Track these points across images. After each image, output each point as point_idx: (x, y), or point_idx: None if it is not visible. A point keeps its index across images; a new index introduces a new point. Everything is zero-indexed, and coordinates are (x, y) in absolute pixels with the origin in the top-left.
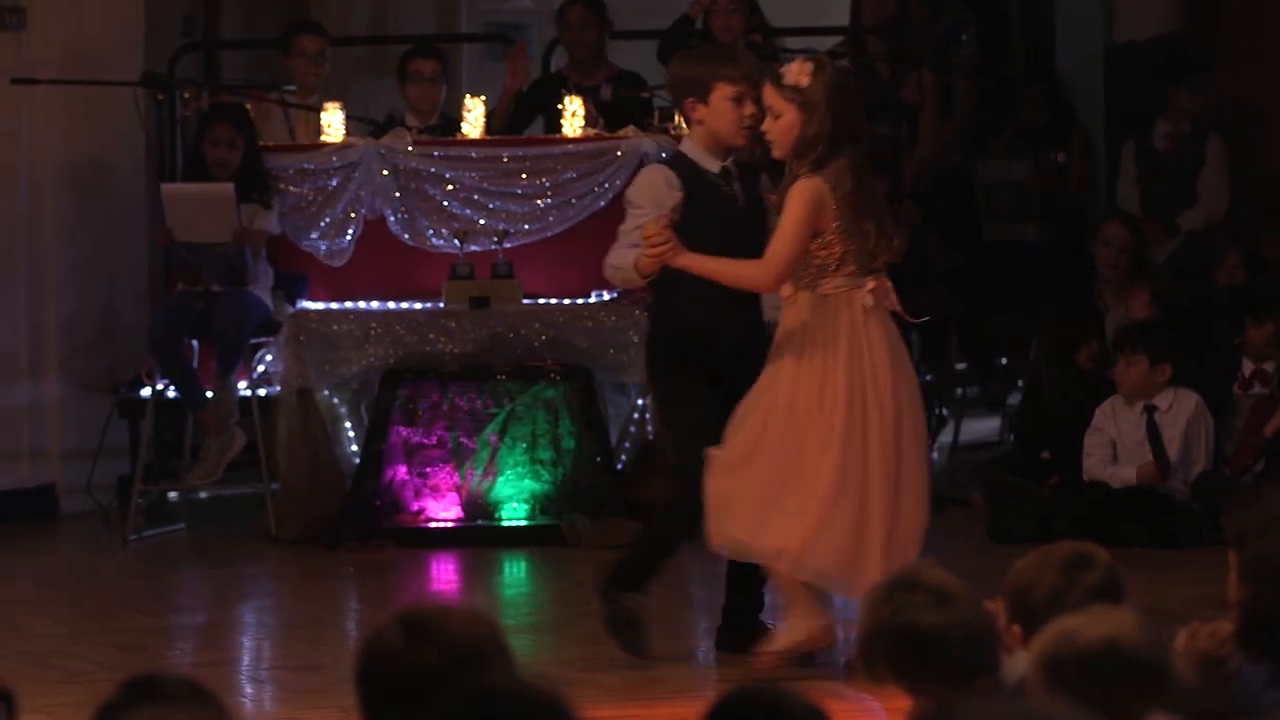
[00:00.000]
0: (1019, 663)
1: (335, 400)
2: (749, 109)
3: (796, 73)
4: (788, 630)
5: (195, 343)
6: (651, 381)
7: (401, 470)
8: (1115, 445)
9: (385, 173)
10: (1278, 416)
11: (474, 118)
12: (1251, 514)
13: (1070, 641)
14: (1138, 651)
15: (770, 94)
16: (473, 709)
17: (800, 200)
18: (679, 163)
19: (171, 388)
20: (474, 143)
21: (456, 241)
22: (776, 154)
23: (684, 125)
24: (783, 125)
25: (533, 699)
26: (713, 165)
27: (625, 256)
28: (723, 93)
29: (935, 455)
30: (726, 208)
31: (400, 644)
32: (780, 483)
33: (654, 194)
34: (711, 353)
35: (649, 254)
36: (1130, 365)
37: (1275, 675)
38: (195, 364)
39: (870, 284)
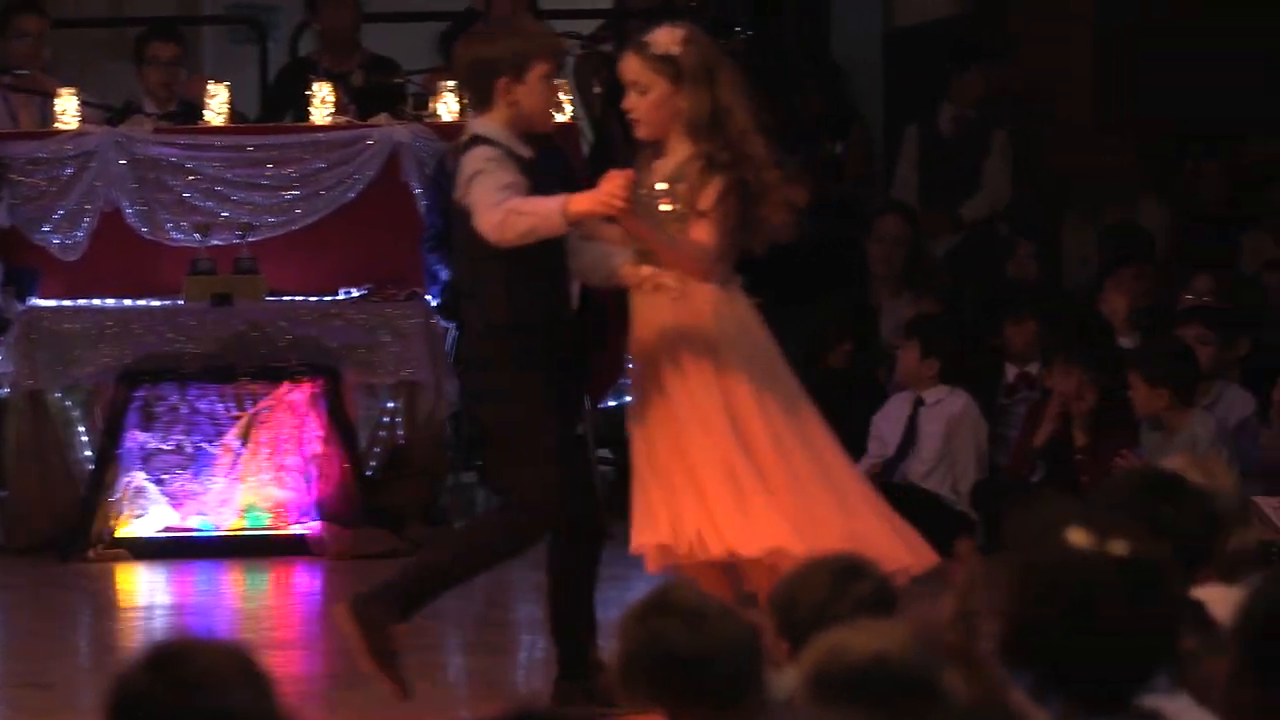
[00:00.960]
0: (787, 679)
1: (68, 403)
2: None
3: (667, 41)
4: None
5: None
6: (495, 384)
7: (138, 477)
8: (886, 441)
9: (123, 162)
10: (1047, 424)
11: (217, 104)
12: (1029, 522)
13: (838, 657)
14: (906, 667)
15: (634, 66)
16: None
17: (728, 186)
18: (490, 145)
19: None
20: (217, 130)
21: (197, 235)
22: (642, 133)
23: (438, 113)
24: (652, 101)
25: None
26: (524, 151)
27: (546, 202)
28: (540, 70)
29: None
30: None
31: (147, 684)
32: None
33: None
34: (561, 349)
35: (610, 200)
36: (904, 353)
37: (1037, 685)
38: None
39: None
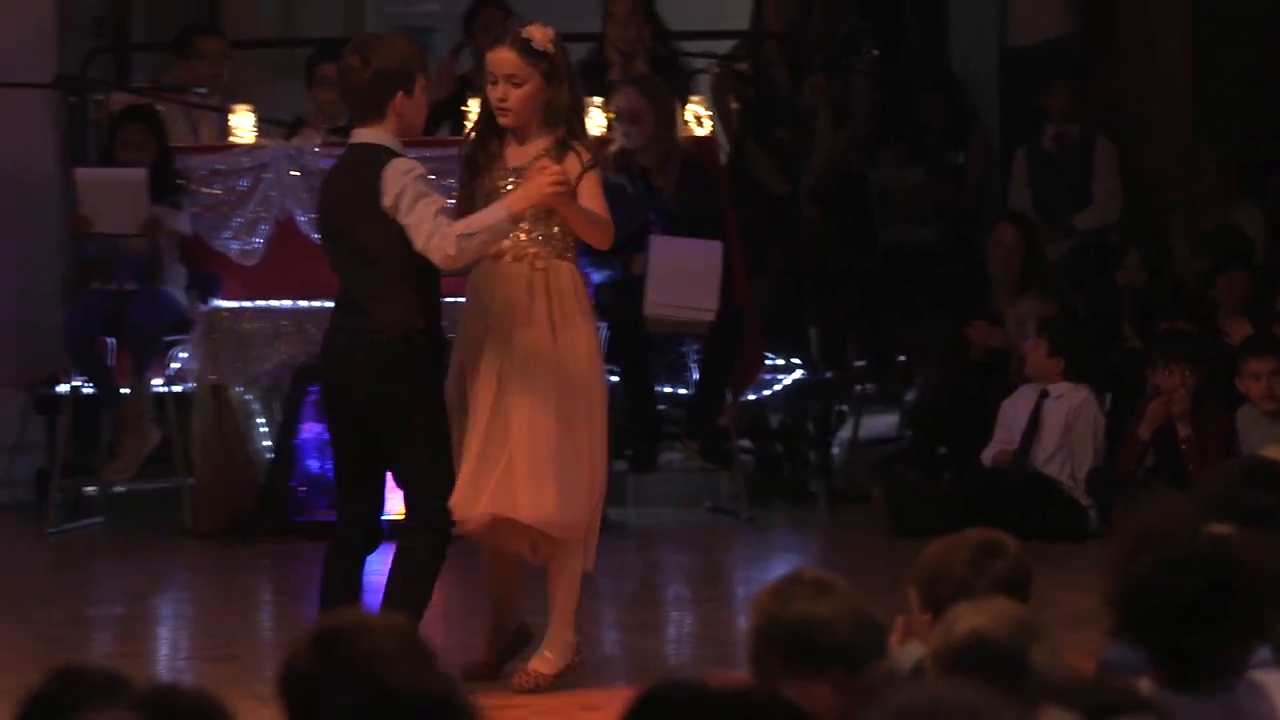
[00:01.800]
0: (911, 651)
1: (248, 396)
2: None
3: (542, 38)
4: (559, 651)
5: (110, 340)
6: (406, 390)
7: (313, 465)
8: (1013, 433)
9: (295, 173)
10: (1150, 418)
11: None
12: (1145, 509)
13: (947, 632)
14: (998, 644)
15: (513, 59)
16: (369, 710)
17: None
18: (404, 159)
19: (87, 385)
20: None
21: None
22: (508, 121)
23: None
24: (526, 92)
25: (433, 696)
26: None
27: (487, 215)
28: (422, 83)
29: (836, 451)
30: None
31: (311, 661)
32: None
33: (424, 177)
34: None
35: (552, 186)
36: (1032, 350)
37: (1153, 659)
38: (111, 361)
39: None
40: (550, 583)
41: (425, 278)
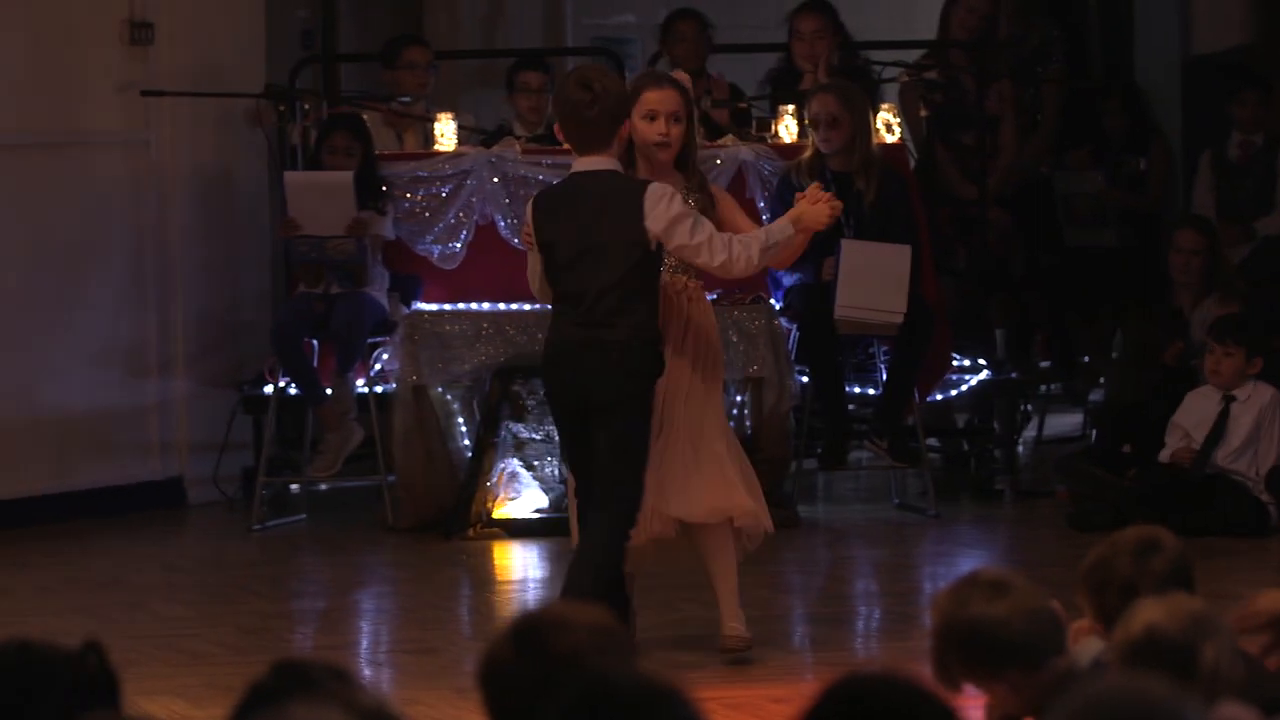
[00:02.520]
0: (1089, 647)
1: (449, 396)
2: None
3: (689, 84)
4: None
5: (315, 342)
6: (638, 396)
7: (512, 463)
8: (1191, 433)
9: (495, 180)
10: None
11: None
12: None
13: (1125, 628)
14: (1171, 638)
15: (677, 99)
16: (589, 703)
17: None
18: (656, 183)
19: (293, 385)
20: None
21: None
22: (668, 156)
23: (779, 134)
24: (682, 129)
25: (651, 690)
26: None
27: (776, 229)
28: (640, 109)
29: (1021, 449)
30: None
31: (512, 655)
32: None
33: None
34: None
35: (831, 215)
36: (1229, 357)
37: None
38: (315, 362)
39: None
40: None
41: (656, 295)
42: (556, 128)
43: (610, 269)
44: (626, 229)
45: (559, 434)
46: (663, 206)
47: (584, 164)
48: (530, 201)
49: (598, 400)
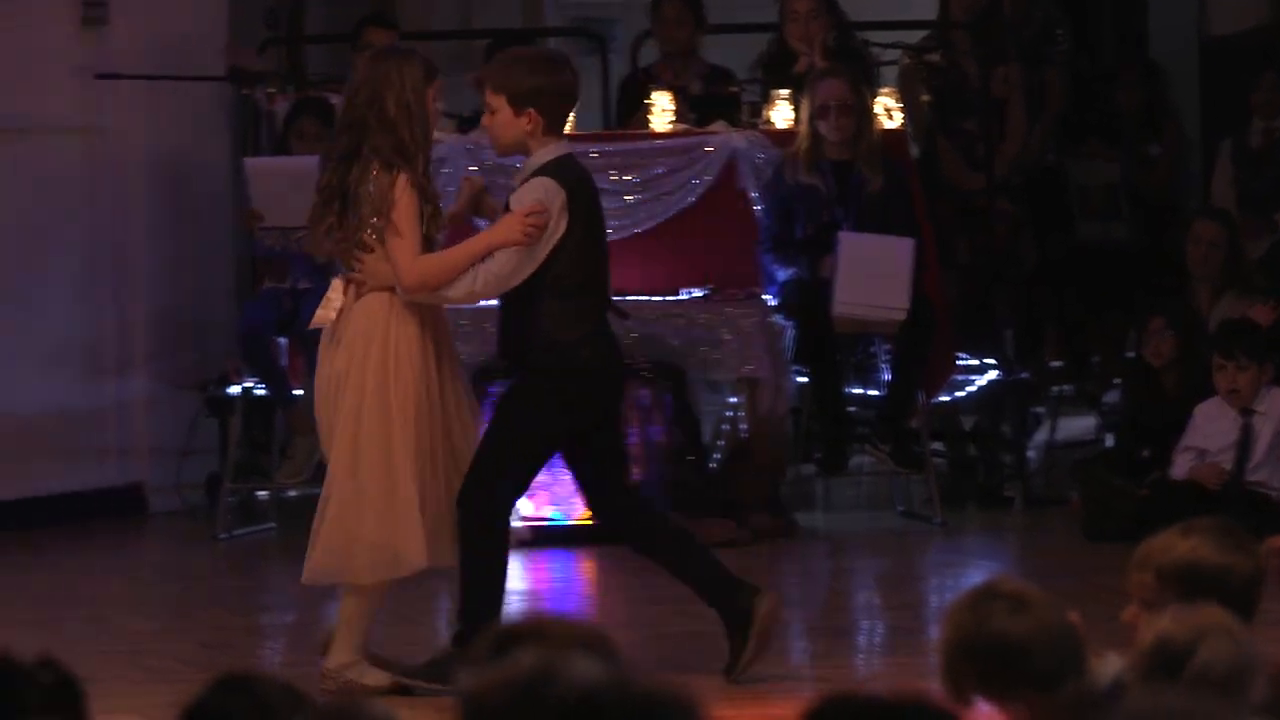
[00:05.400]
0: (1108, 666)
1: None
2: None
3: None
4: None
5: (283, 340)
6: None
7: None
8: (1203, 450)
9: (473, 168)
10: None
11: None
12: None
13: (1139, 641)
14: (1177, 647)
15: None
16: (599, 710)
17: None
18: None
19: (260, 385)
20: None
21: None
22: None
23: (772, 121)
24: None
25: (665, 700)
26: None
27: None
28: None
29: (1031, 454)
30: None
31: (488, 666)
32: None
33: None
34: None
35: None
36: (1243, 371)
37: None
38: (284, 362)
39: None
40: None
41: None
42: (525, 112)
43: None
44: None
45: (550, 445)
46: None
47: (565, 146)
48: (556, 182)
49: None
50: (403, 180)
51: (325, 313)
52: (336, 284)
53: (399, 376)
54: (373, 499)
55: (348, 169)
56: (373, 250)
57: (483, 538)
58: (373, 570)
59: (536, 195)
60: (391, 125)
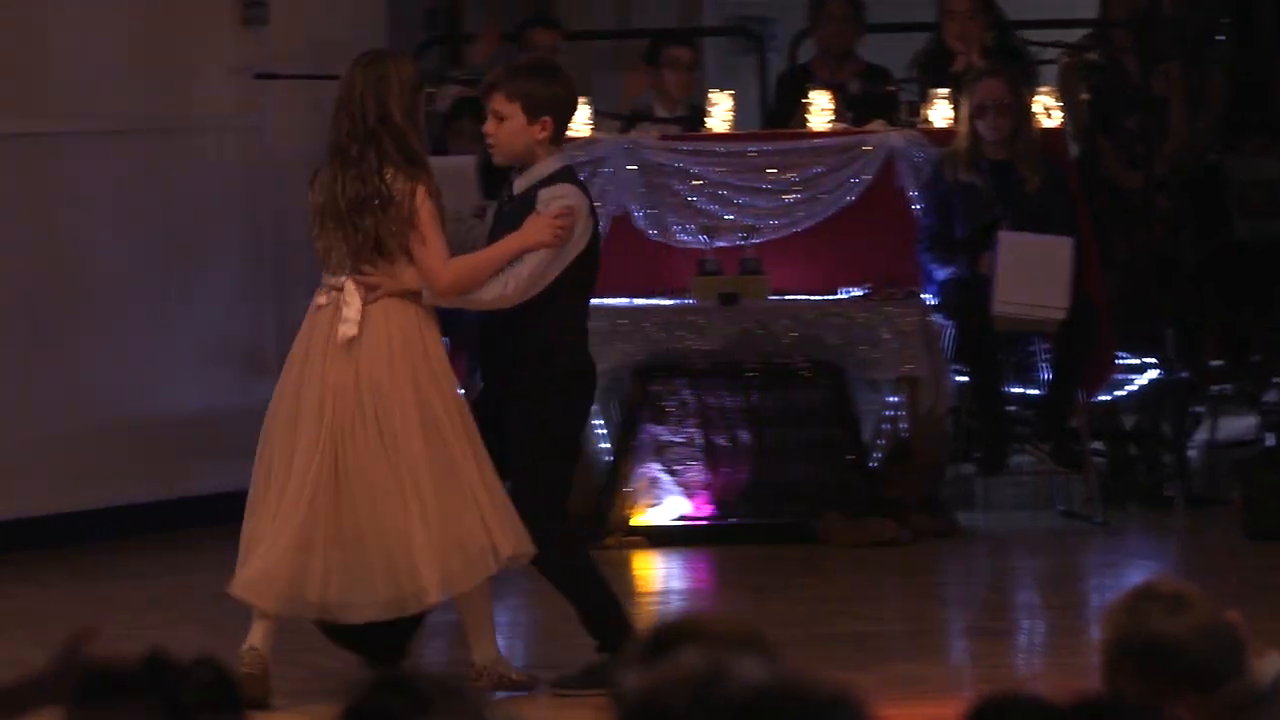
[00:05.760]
0: (1270, 665)
1: None
2: None
3: None
4: None
5: (446, 339)
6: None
7: (652, 467)
8: None
9: (632, 168)
10: None
11: (720, 112)
12: None
13: None
14: None
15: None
16: (771, 709)
17: None
18: None
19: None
20: (720, 137)
21: (704, 237)
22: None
23: (930, 120)
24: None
25: (834, 698)
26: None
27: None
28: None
29: (1192, 453)
30: None
31: (644, 666)
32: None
33: None
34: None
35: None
36: None
37: None
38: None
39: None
40: None
41: None
42: (540, 120)
43: None
44: None
45: (577, 443)
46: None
47: (567, 156)
48: (582, 194)
49: None
50: (422, 188)
51: (348, 329)
52: (351, 296)
53: (440, 385)
54: (465, 502)
55: (357, 177)
56: (393, 256)
57: (568, 561)
58: (480, 570)
59: (567, 201)
60: (400, 133)
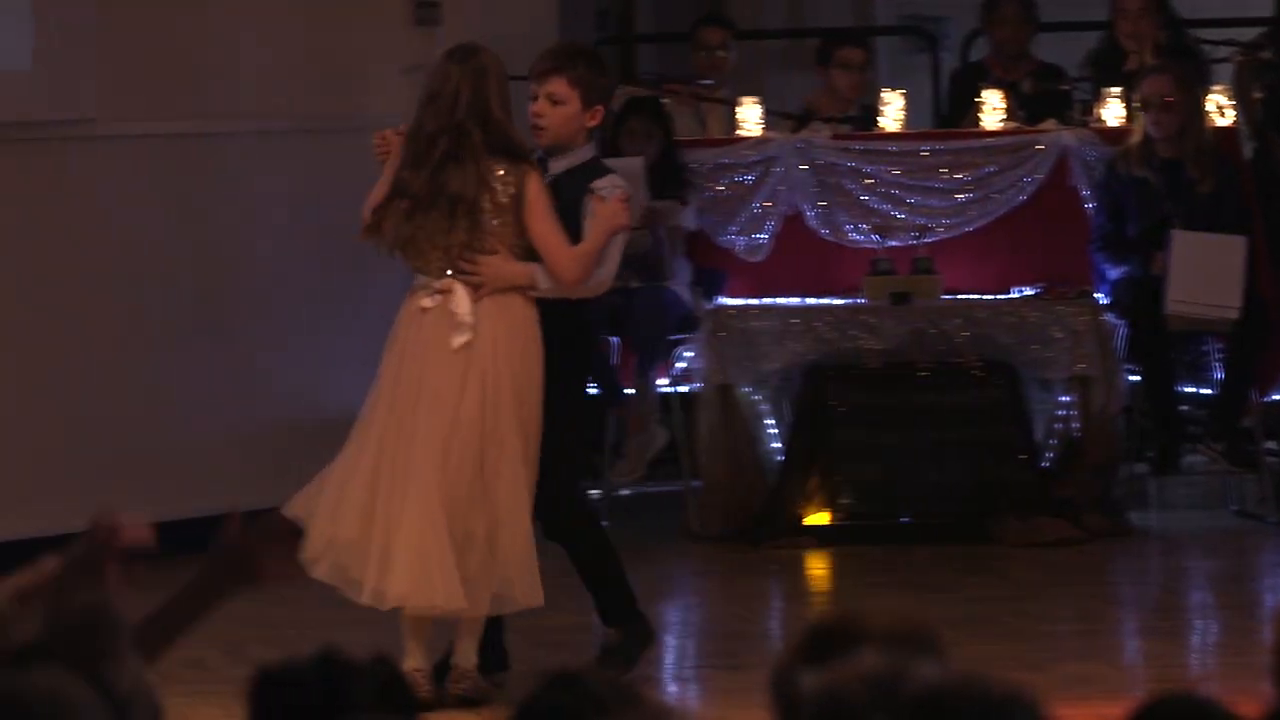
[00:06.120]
0: None
1: (756, 396)
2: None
3: None
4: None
5: (615, 339)
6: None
7: (824, 467)
8: None
9: (803, 167)
10: None
11: (892, 111)
12: None
13: None
14: None
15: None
16: (952, 708)
17: None
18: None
19: (592, 385)
20: (892, 137)
21: (876, 237)
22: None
23: (1103, 119)
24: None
25: (1012, 697)
26: None
27: None
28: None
29: None
30: None
31: (803, 664)
32: None
33: None
34: None
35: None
36: None
37: None
38: (615, 361)
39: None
40: None
41: None
42: (593, 109)
43: None
44: None
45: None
46: None
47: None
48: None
49: None
50: (534, 179)
51: (463, 335)
52: (461, 297)
53: (537, 388)
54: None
55: (453, 172)
56: (496, 253)
57: (590, 535)
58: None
59: (623, 187)
60: (500, 126)
